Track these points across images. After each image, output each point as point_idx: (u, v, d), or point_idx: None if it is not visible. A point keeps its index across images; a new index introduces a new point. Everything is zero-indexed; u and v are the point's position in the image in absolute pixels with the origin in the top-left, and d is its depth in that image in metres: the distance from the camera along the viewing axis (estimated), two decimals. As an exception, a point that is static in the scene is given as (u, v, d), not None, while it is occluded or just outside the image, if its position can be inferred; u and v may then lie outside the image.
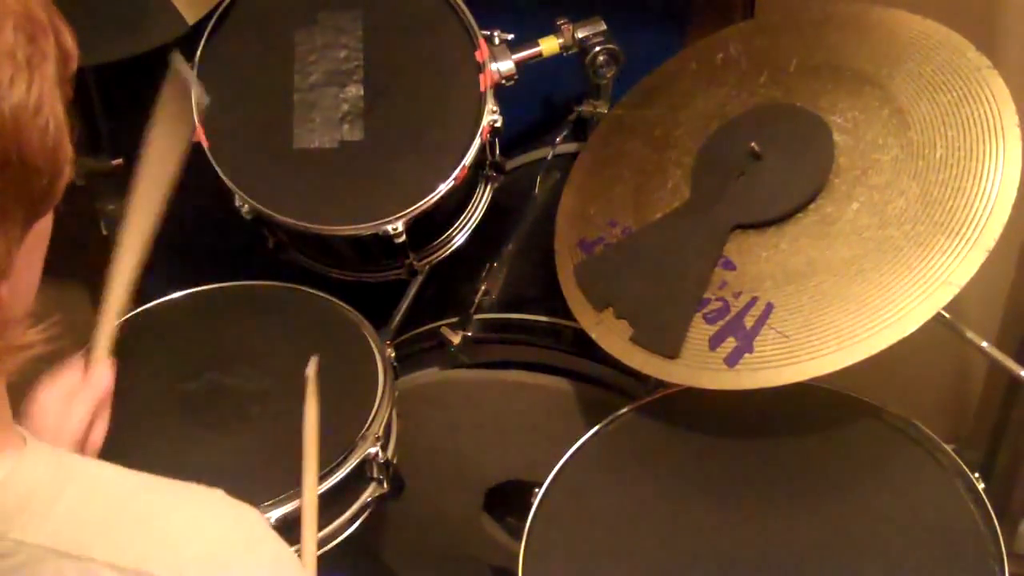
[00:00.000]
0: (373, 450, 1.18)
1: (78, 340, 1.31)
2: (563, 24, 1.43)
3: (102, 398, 1.02)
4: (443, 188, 1.28)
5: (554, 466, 1.17)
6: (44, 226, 0.61)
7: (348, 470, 1.15)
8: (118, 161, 1.50)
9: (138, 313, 1.37)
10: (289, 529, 1.11)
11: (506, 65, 1.35)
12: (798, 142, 1.19)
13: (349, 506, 1.19)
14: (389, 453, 1.23)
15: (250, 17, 1.36)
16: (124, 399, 1.24)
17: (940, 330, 1.15)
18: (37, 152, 0.55)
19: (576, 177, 1.38)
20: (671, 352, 1.13)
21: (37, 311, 0.62)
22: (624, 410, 1.22)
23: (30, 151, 0.55)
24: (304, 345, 1.23)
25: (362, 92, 1.34)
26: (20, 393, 0.77)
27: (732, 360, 1.09)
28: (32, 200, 0.57)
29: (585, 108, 1.58)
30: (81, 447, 0.98)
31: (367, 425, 1.19)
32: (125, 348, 1.32)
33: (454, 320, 1.41)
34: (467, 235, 1.44)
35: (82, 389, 1.01)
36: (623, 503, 1.15)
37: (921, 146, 1.12)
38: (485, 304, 1.43)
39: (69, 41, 0.59)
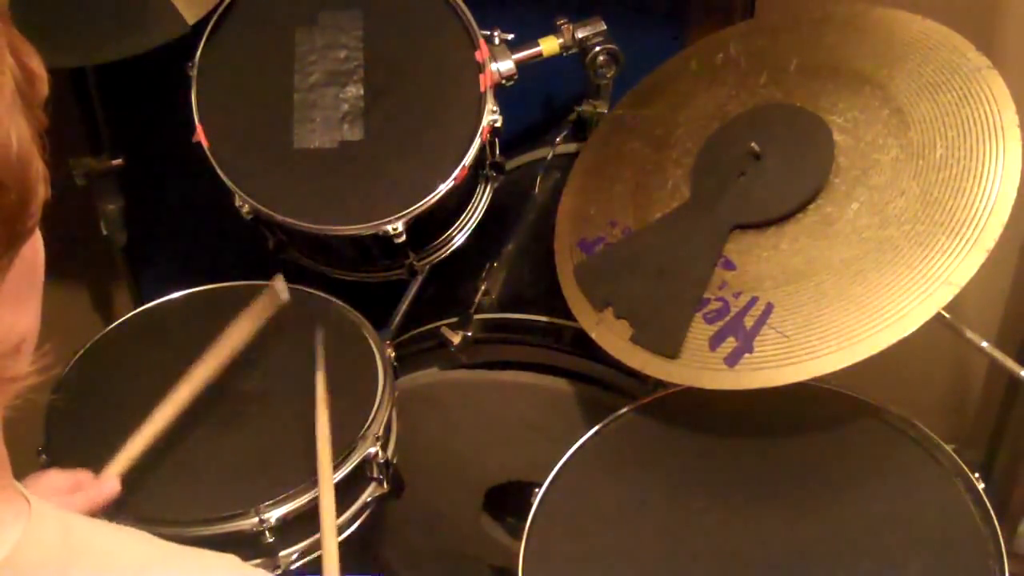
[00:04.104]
0: (373, 450, 1.18)
1: (76, 339, 1.32)
2: (563, 24, 1.43)
3: (99, 504, 1.03)
4: (443, 188, 1.28)
5: (554, 466, 1.17)
6: (32, 254, 0.58)
7: (348, 470, 1.16)
8: (118, 161, 1.50)
9: (138, 313, 1.37)
10: (290, 529, 1.11)
11: (506, 65, 1.35)
12: (798, 142, 1.19)
13: (349, 506, 1.19)
14: (389, 453, 1.23)
15: (250, 17, 1.36)
16: (125, 399, 1.24)
17: (940, 330, 1.15)
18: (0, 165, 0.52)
19: (576, 177, 1.38)
20: (671, 352, 1.13)
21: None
22: (624, 410, 1.22)
23: None
24: (304, 345, 1.23)
25: (362, 92, 1.34)
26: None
27: (732, 360, 1.09)
28: (4, 219, 0.53)
29: (585, 108, 1.58)
30: None
31: (367, 425, 1.19)
32: (125, 348, 1.32)
33: (454, 320, 1.41)
34: (467, 235, 1.43)
35: (90, 486, 1.03)
36: (623, 503, 1.15)
37: (921, 146, 1.12)
38: (485, 304, 1.43)
39: (35, 62, 0.56)
